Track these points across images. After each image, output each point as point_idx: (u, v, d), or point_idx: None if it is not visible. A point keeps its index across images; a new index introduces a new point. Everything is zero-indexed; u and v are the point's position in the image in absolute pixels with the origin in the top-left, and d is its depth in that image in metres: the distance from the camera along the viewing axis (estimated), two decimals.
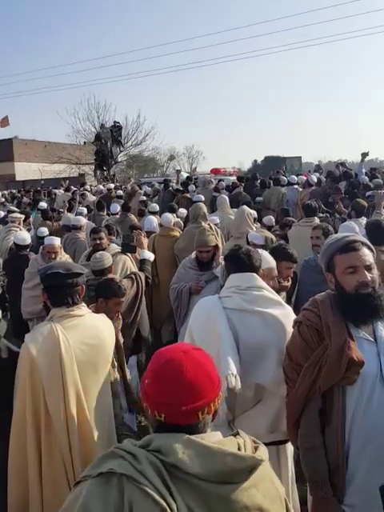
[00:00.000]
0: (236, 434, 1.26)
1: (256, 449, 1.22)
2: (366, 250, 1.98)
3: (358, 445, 1.91)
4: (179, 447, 1.11)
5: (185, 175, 14.83)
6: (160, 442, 1.13)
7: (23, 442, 2.23)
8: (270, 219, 6.40)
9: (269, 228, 6.00)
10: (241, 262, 2.45)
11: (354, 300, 1.94)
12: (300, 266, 4.23)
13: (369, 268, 1.96)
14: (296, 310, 2.49)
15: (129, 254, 4.72)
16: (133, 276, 3.96)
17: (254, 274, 2.45)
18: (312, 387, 1.96)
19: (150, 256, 4.30)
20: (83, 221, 7.06)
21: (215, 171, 18.24)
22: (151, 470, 1.09)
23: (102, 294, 3.18)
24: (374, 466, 1.89)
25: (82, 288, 2.47)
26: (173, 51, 43.26)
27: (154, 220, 6.52)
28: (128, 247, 4.68)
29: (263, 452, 1.22)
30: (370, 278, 1.93)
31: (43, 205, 10.52)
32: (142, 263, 4.23)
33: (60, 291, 2.36)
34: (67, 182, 15.91)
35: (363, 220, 6.13)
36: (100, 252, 3.95)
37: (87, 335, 2.36)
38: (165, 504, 1.05)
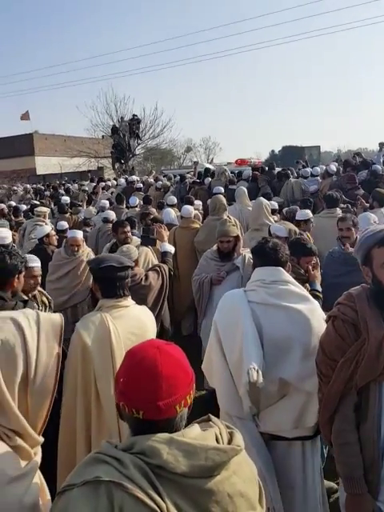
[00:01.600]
0: (208, 420, 1.26)
1: (231, 435, 1.24)
2: None
3: None
4: (163, 448, 1.12)
5: (206, 166, 14.71)
6: (143, 444, 1.13)
7: (73, 427, 2.34)
8: (292, 210, 6.27)
9: (290, 219, 5.92)
10: (267, 255, 2.43)
11: None
12: (324, 258, 4.19)
13: None
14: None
15: (149, 247, 4.76)
16: (157, 268, 3.96)
17: (280, 268, 2.43)
18: (348, 383, 1.94)
19: (171, 249, 4.31)
20: (113, 214, 7.18)
21: (241, 162, 17.87)
22: (138, 474, 1.09)
23: None
24: None
25: (130, 280, 2.62)
26: (190, 43, 42.92)
27: (172, 212, 6.53)
28: (148, 240, 4.70)
29: (239, 439, 1.24)
30: None
31: (66, 199, 10.62)
32: (163, 256, 4.24)
33: (113, 283, 2.50)
34: (93, 177, 16.01)
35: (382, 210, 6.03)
36: (127, 245, 3.97)
37: (133, 325, 2.49)
38: (155, 506, 1.06)
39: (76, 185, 16.09)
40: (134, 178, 13.50)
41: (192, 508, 1.10)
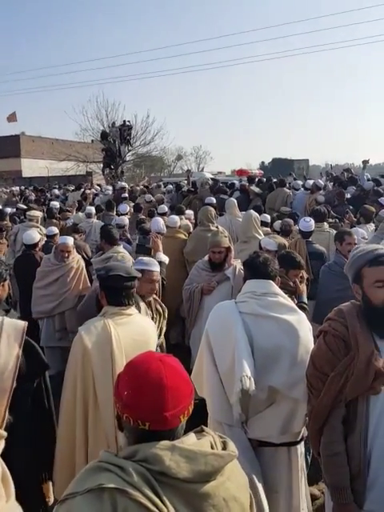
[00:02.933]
0: (201, 431, 1.31)
1: (224, 443, 1.29)
2: None
3: (380, 452, 1.95)
4: (166, 454, 1.15)
5: (208, 175, 14.68)
6: (146, 452, 1.16)
7: (72, 427, 2.42)
8: (286, 223, 6.31)
9: (286, 233, 5.98)
10: (258, 269, 2.53)
11: (381, 313, 1.97)
12: (320, 272, 4.26)
13: None
14: (319, 316, 2.51)
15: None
16: None
17: (270, 281, 2.53)
18: (337, 396, 2.00)
19: (165, 259, 4.34)
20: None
21: (240, 172, 17.82)
22: (141, 481, 1.12)
23: None
24: None
25: (135, 290, 2.70)
26: (183, 53, 43.32)
27: (161, 221, 6.56)
28: (143, 249, 4.72)
29: (233, 446, 1.30)
30: None
31: (55, 203, 10.55)
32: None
33: (119, 292, 2.58)
34: (80, 183, 15.86)
35: (371, 226, 6.16)
36: (121, 254, 4.00)
37: (136, 332, 2.57)
38: (158, 511, 1.10)
39: (62, 190, 15.97)
40: (123, 184, 13.47)
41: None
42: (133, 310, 2.65)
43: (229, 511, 1.21)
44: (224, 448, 1.28)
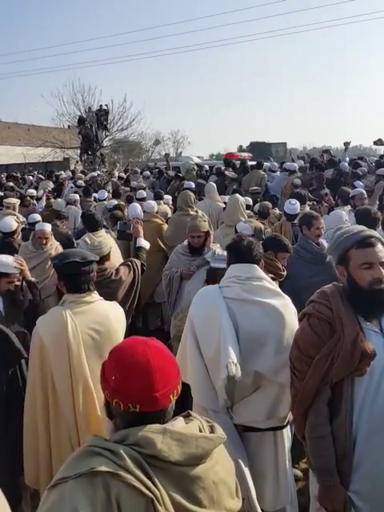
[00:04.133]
0: (188, 416, 1.32)
1: (212, 427, 1.31)
2: (380, 246, 2.00)
3: (365, 433, 1.96)
4: (157, 438, 1.16)
5: (196, 159, 14.49)
6: (137, 435, 1.17)
7: (34, 418, 2.41)
8: (264, 205, 6.32)
9: (264, 216, 6.00)
10: (242, 253, 2.50)
11: (367, 295, 1.97)
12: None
13: (383, 264, 1.98)
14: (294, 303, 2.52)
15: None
16: (129, 263, 3.95)
17: (254, 265, 2.49)
18: (323, 379, 1.99)
19: (146, 244, 4.30)
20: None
21: (229, 156, 17.70)
22: (133, 464, 1.13)
23: None
24: (381, 453, 1.96)
25: (94, 275, 2.60)
26: (160, 35, 42.59)
27: (138, 207, 6.51)
28: (124, 235, 4.67)
29: (220, 430, 1.32)
30: None
31: (31, 191, 10.38)
32: (137, 251, 4.23)
33: (76, 279, 2.50)
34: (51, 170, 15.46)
35: (347, 207, 6.21)
36: (99, 239, 3.93)
37: (96, 321, 2.48)
38: (151, 494, 1.11)
39: (35, 177, 15.64)
40: (94, 174, 13.23)
41: (181, 494, 1.16)
42: (94, 296, 2.56)
43: (218, 494, 1.23)
44: (212, 432, 1.29)
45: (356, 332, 1.95)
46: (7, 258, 3.31)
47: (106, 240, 3.93)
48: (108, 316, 2.54)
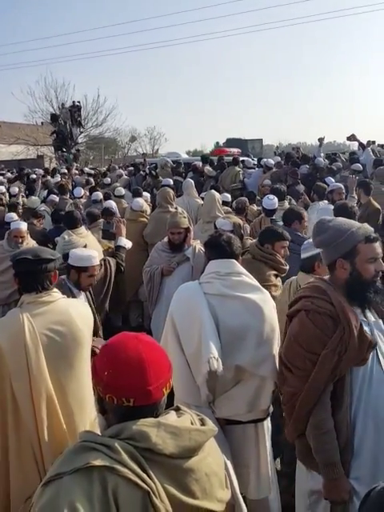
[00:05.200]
0: (178, 410, 1.34)
1: (202, 420, 1.33)
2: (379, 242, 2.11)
3: (363, 421, 2.01)
4: (152, 431, 1.18)
5: (184, 156, 14.38)
6: (132, 429, 1.18)
7: None
8: (240, 201, 6.35)
9: (240, 211, 6.03)
10: (221, 248, 2.51)
11: (369, 286, 2.06)
12: None
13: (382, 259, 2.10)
14: None
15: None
16: (102, 261, 3.92)
17: (234, 260, 2.51)
18: (332, 373, 2.01)
19: (127, 243, 4.29)
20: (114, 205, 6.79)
21: (219, 152, 17.63)
22: (128, 458, 1.14)
23: None
24: (378, 438, 2.02)
25: (55, 274, 2.47)
26: (134, 30, 42.22)
27: (114, 204, 6.48)
28: (108, 234, 4.67)
29: (211, 423, 1.34)
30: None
31: (1, 188, 10.17)
32: (116, 250, 4.22)
33: (29, 277, 2.37)
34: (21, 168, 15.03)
35: (325, 202, 6.30)
36: (72, 236, 3.91)
37: (55, 321, 2.33)
38: (147, 487, 1.13)
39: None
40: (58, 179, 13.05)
41: (175, 487, 1.18)
42: (54, 295, 2.40)
43: (210, 485, 1.25)
44: (203, 424, 1.31)
45: (359, 324, 2.01)
46: (83, 251, 3.25)
47: (88, 237, 3.91)
48: (70, 315, 2.38)
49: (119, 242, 4.26)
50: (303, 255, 3.08)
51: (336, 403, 2.04)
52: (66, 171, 13.08)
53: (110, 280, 3.90)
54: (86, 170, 14.79)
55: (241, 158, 11.97)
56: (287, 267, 3.40)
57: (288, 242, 3.48)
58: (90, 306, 3.28)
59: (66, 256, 3.74)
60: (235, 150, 18.87)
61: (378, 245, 2.08)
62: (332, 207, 5.31)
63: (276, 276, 3.36)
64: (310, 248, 2.91)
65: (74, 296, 3.21)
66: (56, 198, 8.30)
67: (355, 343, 1.98)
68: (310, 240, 2.80)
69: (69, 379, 2.33)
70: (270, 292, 3.10)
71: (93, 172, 13.28)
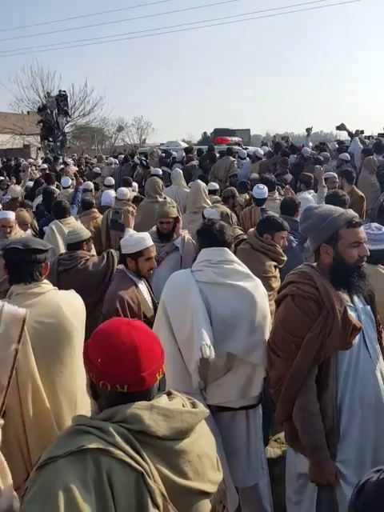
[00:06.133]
0: (170, 394, 1.36)
1: (193, 404, 1.36)
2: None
3: (349, 404, 2.05)
4: (145, 414, 1.19)
5: (183, 145, 14.28)
6: (125, 412, 1.19)
7: None
8: (228, 191, 6.36)
9: (226, 200, 6.03)
10: (213, 237, 2.51)
11: (353, 271, 2.08)
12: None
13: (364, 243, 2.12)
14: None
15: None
16: (105, 254, 3.85)
17: (225, 249, 2.51)
18: (316, 356, 2.04)
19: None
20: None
21: (221, 140, 17.47)
22: (122, 440, 1.15)
23: None
24: (364, 422, 2.05)
25: (46, 265, 2.43)
26: (121, 18, 41.63)
27: (112, 193, 6.45)
28: (117, 225, 4.56)
29: (202, 405, 1.37)
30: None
31: None
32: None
33: (18, 267, 2.33)
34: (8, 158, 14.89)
35: (312, 192, 6.32)
36: (77, 226, 3.84)
37: (44, 313, 2.28)
38: (141, 469, 1.14)
39: None
40: (45, 166, 12.90)
41: (168, 468, 1.20)
42: (44, 287, 2.35)
43: (202, 467, 1.27)
44: (194, 407, 1.33)
45: (344, 307, 2.04)
46: (132, 236, 3.19)
47: (76, 227, 3.85)
48: (60, 307, 2.32)
49: (127, 234, 4.16)
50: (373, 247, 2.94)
51: (321, 387, 2.08)
52: (66, 162, 12.90)
53: (111, 274, 3.73)
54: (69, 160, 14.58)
55: (235, 148, 11.98)
56: (285, 258, 3.40)
57: (287, 233, 3.48)
58: (150, 296, 3.21)
59: (70, 246, 3.73)
60: (237, 139, 18.80)
61: (360, 230, 2.10)
62: (310, 196, 5.37)
63: (275, 267, 3.36)
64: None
65: (136, 286, 3.14)
66: (30, 184, 8.16)
67: (339, 327, 2.01)
68: (376, 230, 2.87)
69: (58, 372, 2.29)
70: (270, 283, 3.14)
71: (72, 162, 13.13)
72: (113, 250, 3.91)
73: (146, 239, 3.19)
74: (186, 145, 15.00)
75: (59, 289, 2.64)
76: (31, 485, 1.13)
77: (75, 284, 3.34)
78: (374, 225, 3.05)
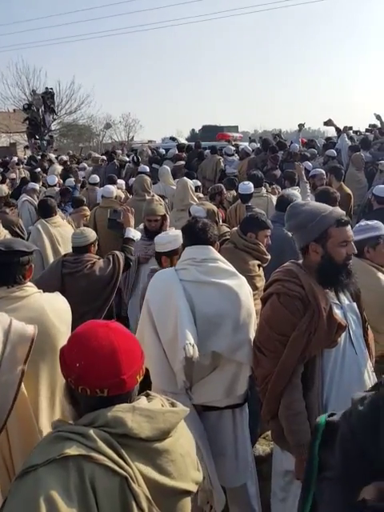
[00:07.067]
0: (148, 395, 1.34)
1: (172, 404, 1.34)
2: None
3: (336, 403, 2.04)
4: (127, 416, 1.17)
5: (183, 141, 14.33)
6: (107, 416, 1.17)
7: None
8: (216, 188, 6.32)
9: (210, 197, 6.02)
10: (197, 235, 2.49)
11: (341, 269, 2.08)
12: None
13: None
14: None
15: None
16: (111, 256, 3.66)
17: (209, 247, 2.49)
18: (301, 355, 2.03)
19: (135, 234, 4.04)
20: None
21: (221, 136, 17.35)
22: (104, 445, 1.13)
23: None
24: None
25: (30, 268, 2.37)
26: (107, 15, 41.33)
27: (112, 188, 6.40)
28: (115, 224, 4.47)
29: (180, 404, 1.36)
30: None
31: None
32: (124, 242, 3.92)
33: (0, 270, 2.25)
34: None
35: (297, 188, 6.33)
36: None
37: (27, 318, 2.17)
38: (125, 473, 1.12)
39: None
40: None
41: (152, 469, 1.18)
42: (28, 290, 2.28)
43: (185, 466, 1.26)
44: (173, 406, 1.32)
45: (329, 305, 2.03)
46: (166, 234, 3.16)
47: (64, 226, 3.74)
48: (44, 310, 2.25)
49: (127, 234, 4.00)
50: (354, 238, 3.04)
51: (307, 385, 2.07)
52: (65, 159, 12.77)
53: (117, 278, 3.59)
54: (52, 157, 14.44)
55: (219, 146, 11.94)
56: (269, 257, 3.37)
57: (270, 231, 3.45)
58: None
59: (76, 249, 3.53)
60: (238, 135, 18.75)
61: (349, 228, 2.10)
62: (297, 193, 5.36)
63: (259, 266, 3.34)
64: (362, 231, 2.90)
65: None
66: (35, 185, 8.04)
67: (324, 325, 2.01)
68: (362, 223, 2.87)
69: (41, 377, 2.21)
70: (254, 283, 3.11)
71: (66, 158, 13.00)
72: (118, 252, 3.74)
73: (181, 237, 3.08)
74: (185, 141, 14.86)
75: (63, 292, 2.60)
76: (11, 495, 1.10)
77: (80, 288, 3.36)
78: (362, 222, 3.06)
